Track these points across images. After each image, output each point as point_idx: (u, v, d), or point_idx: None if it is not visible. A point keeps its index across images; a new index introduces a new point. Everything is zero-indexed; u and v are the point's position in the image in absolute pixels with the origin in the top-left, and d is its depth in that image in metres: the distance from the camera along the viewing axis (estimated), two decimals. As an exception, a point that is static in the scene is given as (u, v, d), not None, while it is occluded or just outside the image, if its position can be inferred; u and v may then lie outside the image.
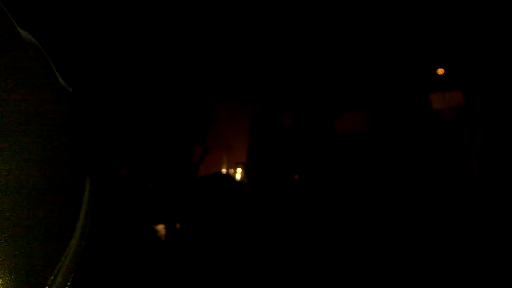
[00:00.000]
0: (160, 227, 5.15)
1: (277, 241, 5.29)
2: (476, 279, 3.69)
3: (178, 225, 5.13)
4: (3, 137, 0.37)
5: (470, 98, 5.39)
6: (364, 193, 5.64)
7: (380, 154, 5.72)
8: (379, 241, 4.82)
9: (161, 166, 5.15)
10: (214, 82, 5.92)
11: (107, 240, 4.08)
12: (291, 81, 6.38)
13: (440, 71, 5.75)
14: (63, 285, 0.41)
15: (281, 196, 6.32)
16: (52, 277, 0.40)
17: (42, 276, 0.39)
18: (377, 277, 3.97)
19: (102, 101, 4.98)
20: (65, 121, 0.43)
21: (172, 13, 5.36)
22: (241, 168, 7.38)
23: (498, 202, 4.41)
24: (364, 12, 5.40)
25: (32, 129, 0.39)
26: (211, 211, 5.33)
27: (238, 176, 7.43)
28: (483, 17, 5.18)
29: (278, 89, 5.92)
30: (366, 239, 5.10)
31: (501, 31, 5.16)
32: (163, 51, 5.59)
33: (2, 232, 0.36)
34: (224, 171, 7.54)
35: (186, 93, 5.32)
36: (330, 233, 5.54)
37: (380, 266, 4.16)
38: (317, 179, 6.08)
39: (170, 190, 5.14)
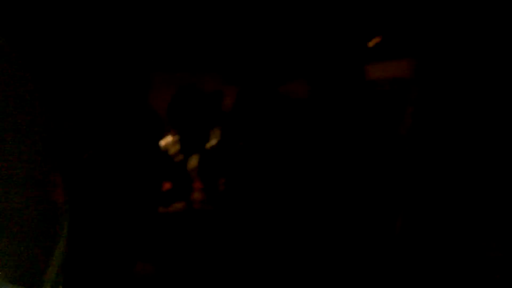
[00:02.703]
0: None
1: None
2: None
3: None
4: None
5: (405, 69, 5.50)
6: (306, 162, 5.79)
7: (318, 122, 5.84)
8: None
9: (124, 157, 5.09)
10: (154, 52, 5.82)
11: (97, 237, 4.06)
12: (233, 48, 6.34)
13: (376, 39, 5.82)
14: (55, 283, 0.43)
15: (229, 164, 6.42)
16: (45, 274, 0.41)
17: (35, 272, 0.40)
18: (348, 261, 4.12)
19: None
20: (40, 120, 0.44)
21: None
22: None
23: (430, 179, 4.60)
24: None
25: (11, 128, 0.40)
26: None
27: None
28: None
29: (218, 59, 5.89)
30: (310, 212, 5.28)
31: None
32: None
33: None
34: (170, 138, 7.52)
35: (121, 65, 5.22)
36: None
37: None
38: (263, 145, 6.19)
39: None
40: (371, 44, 5.54)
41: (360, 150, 5.37)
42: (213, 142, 6.94)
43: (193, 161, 7.05)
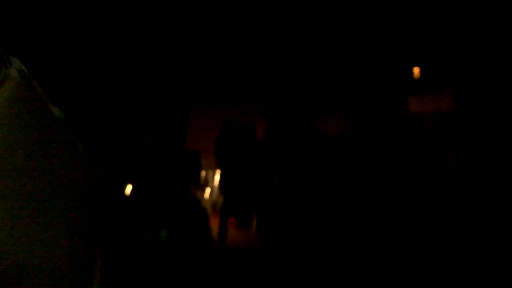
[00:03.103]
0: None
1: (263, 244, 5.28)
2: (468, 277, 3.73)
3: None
4: (29, 209, 0.40)
5: (448, 101, 5.44)
6: (345, 194, 5.66)
7: (359, 156, 5.74)
8: (361, 242, 4.85)
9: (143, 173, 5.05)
10: (191, 84, 5.86)
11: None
12: (271, 83, 6.36)
13: (416, 71, 5.79)
14: None
15: (261, 199, 6.32)
16: None
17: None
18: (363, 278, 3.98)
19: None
20: (85, 185, 0.47)
21: (150, 16, 5.28)
22: (219, 171, 7.33)
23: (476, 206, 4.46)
24: (342, 16, 5.40)
25: (60, 198, 0.43)
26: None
27: (217, 178, 7.38)
28: (463, 18, 5.22)
29: (257, 92, 5.90)
30: (347, 240, 5.12)
31: (483, 31, 5.21)
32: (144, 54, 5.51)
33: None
34: (203, 174, 7.50)
35: (163, 96, 5.24)
36: (312, 234, 5.57)
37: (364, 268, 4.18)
38: (297, 181, 6.09)
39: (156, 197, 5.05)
40: (413, 75, 5.51)
41: (403, 184, 5.24)
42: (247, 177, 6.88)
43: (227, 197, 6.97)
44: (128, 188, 4.91)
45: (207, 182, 7.56)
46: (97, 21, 4.95)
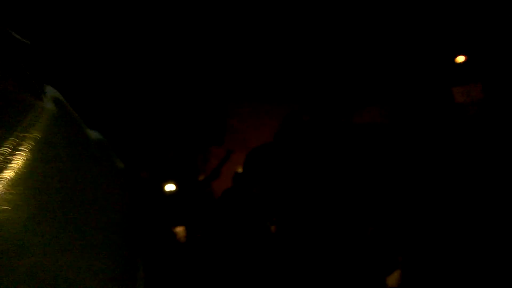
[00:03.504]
0: (180, 230, 5.14)
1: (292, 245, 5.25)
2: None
3: (197, 229, 5.13)
4: (74, 229, 0.42)
5: (492, 91, 5.25)
6: (384, 190, 5.56)
7: (400, 150, 5.63)
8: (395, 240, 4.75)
9: (176, 169, 5.14)
10: (233, 82, 5.88)
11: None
12: (309, 80, 6.31)
13: (460, 58, 5.60)
14: None
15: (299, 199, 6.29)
16: None
17: None
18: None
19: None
20: (128, 198, 0.50)
21: (190, 10, 5.32)
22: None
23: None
24: (377, 4, 5.29)
25: (100, 218, 0.45)
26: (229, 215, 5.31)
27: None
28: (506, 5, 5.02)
29: (302, 89, 5.84)
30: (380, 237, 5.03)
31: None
32: (177, 50, 5.57)
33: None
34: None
35: (199, 93, 5.29)
36: (344, 232, 5.49)
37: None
38: (336, 178, 6.01)
39: (188, 193, 5.13)
40: (456, 63, 5.35)
41: (450, 181, 5.10)
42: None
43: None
44: (169, 187, 5.00)
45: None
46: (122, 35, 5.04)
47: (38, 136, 0.42)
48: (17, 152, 0.41)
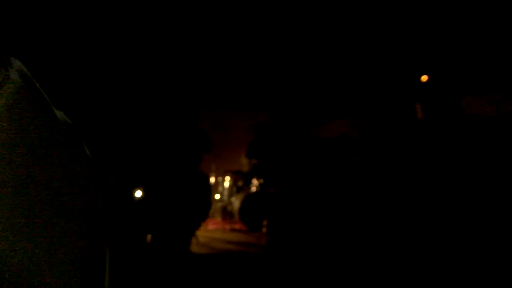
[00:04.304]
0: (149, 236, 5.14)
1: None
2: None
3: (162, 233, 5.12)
4: (32, 214, 0.39)
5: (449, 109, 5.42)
6: (350, 199, 5.68)
7: (366, 160, 5.76)
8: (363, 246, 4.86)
9: (152, 175, 5.13)
10: (203, 90, 5.93)
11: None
12: (281, 89, 6.40)
13: (424, 78, 5.80)
14: None
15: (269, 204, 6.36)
16: None
17: None
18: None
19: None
20: (93, 188, 0.47)
21: (163, 18, 5.35)
22: (229, 176, 7.41)
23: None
24: (348, 21, 5.44)
25: (63, 204, 0.42)
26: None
27: (226, 184, 7.46)
28: (464, 25, 5.23)
29: (271, 98, 5.94)
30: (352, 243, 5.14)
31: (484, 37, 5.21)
32: (155, 57, 5.59)
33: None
34: (212, 179, 7.56)
35: (174, 101, 5.31)
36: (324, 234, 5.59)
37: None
38: (300, 186, 6.13)
39: (161, 198, 5.12)
40: (422, 80, 5.53)
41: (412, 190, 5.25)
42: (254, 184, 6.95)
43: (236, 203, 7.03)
44: (136, 192, 5.00)
45: (217, 186, 7.64)
46: (104, 29, 5.04)
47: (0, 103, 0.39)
48: None
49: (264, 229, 6.68)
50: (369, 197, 5.43)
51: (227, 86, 6.15)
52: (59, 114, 0.46)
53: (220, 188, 7.65)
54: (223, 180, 7.56)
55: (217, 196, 7.59)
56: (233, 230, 7.01)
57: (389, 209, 5.16)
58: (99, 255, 0.46)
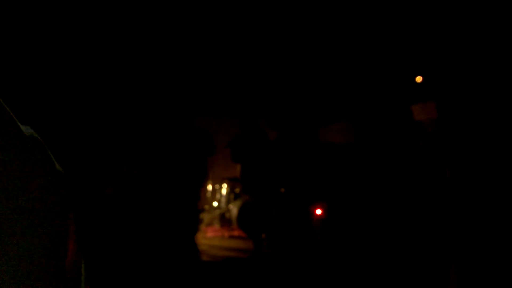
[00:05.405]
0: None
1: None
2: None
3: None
4: (4, 226, 0.39)
5: (445, 109, 5.45)
6: (350, 203, 5.69)
7: (364, 165, 5.78)
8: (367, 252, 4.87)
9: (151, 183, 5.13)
10: (195, 97, 5.93)
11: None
12: (275, 95, 6.42)
13: (418, 79, 5.82)
14: None
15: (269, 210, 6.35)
16: None
17: None
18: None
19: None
20: (62, 204, 0.46)
21: (150, 28, 5.36)
22: (226, 183, 7.41)
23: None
24: (343, 26, 5.47)
25: (33, 217, 0.42)
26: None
27: (223, 191, 7.46)
28: (462, 26, 5.26)
29: (260, 104, 5.95)
30: (354, 250, 5.14)
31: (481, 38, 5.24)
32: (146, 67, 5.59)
33: None
34: (209, 187, 7.57)
35: (166, 110, 5.31)
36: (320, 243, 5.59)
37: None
38: (304, 191, 6.13)
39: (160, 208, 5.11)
40: (415, 82, 5.55)
41: (408, 192, 5.26)
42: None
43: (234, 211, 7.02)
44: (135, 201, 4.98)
45: (215, 194, 7.64)
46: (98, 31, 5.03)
47: None
48: None
49: (263, 235, 6.68)
50: (370, 200, 5.44)
51: (221, 93, 6.16)
52: (25, 129, 0.45)
53: (217, 195, 7.65)
54: (221, 187, 7.55)
55: (215, 204, 7.58)
56: (231, 237, 7.01)
57: (391, 214, 5.18)
58: (75, 268, 0.46)
